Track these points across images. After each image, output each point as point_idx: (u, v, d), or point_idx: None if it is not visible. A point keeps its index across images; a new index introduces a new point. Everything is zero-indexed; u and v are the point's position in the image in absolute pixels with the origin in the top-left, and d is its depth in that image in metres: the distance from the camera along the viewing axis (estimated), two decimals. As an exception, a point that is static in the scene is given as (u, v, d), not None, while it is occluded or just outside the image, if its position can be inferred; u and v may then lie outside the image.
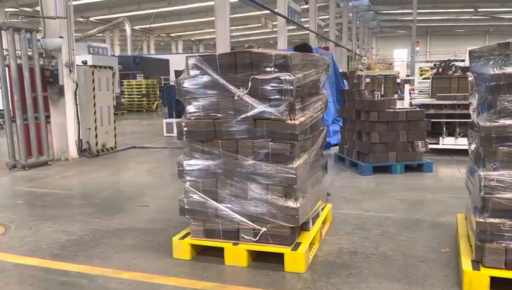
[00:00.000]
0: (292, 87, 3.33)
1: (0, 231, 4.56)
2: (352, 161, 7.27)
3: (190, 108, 3.65)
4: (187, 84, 3.61)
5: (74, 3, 8.92)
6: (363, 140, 6.97)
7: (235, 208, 3.57)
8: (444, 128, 8.26)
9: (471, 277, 3.01)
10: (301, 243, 3.56)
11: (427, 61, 21.69)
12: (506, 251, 2.97)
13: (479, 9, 28.76)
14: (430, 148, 7.42)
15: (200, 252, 3.78)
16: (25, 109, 7.74)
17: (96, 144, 9.13)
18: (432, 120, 7.38)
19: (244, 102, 3.44)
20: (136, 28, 29.94)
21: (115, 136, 9.87)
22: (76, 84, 8.55)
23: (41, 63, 8.18)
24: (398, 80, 14.56)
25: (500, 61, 3.00)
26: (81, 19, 25.12)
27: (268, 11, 15.06)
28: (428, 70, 11.68)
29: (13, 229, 4.61)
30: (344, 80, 11.59)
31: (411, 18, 22.21)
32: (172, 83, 20.49)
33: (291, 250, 3.44)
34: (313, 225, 3.90)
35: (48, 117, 8.38)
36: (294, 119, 3.44)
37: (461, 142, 8.01)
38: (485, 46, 3.26)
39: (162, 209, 5.22)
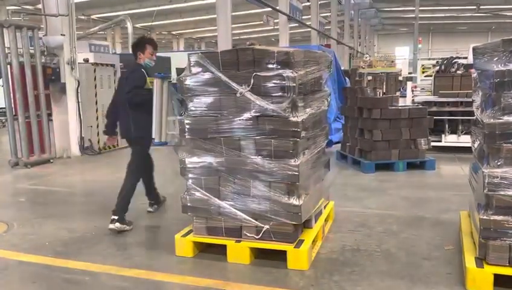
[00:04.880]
0: (294, 84, 3.31)
1: (3, 228, 4.57)
2: (354, 158, 7.25)
3: (192, 105, 3.64)
4: (189, 81, 3.60)
5: (75, 1, 8.90)
6: (366, 137, 6.96)
7: (238, 206, 3.56)
8: (447, 125, 8.24)
9: (475, 274, 3.00)
10: (304, 240, 3.55)
11: (429, 59, 21.63)
12: (510, 248, 2.96)
13: (481, 7, 28.61)
14: (432, 146, 7.42)
15: (202, 249, 3.78)
16: (27, 107, 7.75)
17: (98, 141, 9.13)
18: (435, 118, 7.37)
19: (246, 99, 3.43)
20: (137, 25, 29.82)
21: (117, 133, 9.85)
22: (78, 82, 8.55)
23: (43, 61, 8.19)
24: (400, 78, 14.56)
25: (505, 57, 2.98)
26: (83, 17, 25.07)
27: (270, 9, 15.00)
28: (430, 68, 11.67)
29: (16, 226, 4.62)
30: (346, 78, 11.59)
31: (413, 15, 22.13)
32: (174, 81, 20.42)
33: (294, 247, 3.44)
34: (315, 222, 3.90)
35: (49, 115, 8.39)
36: (296, 117, 3.43)
37: (464, 140, 7.98)
38: (489, 42, 3.24)
39: (164, 206, 5.22)
